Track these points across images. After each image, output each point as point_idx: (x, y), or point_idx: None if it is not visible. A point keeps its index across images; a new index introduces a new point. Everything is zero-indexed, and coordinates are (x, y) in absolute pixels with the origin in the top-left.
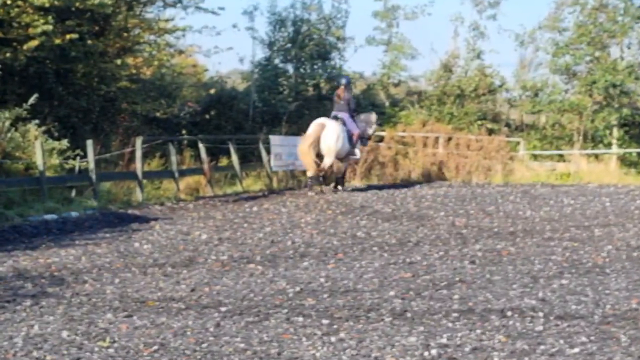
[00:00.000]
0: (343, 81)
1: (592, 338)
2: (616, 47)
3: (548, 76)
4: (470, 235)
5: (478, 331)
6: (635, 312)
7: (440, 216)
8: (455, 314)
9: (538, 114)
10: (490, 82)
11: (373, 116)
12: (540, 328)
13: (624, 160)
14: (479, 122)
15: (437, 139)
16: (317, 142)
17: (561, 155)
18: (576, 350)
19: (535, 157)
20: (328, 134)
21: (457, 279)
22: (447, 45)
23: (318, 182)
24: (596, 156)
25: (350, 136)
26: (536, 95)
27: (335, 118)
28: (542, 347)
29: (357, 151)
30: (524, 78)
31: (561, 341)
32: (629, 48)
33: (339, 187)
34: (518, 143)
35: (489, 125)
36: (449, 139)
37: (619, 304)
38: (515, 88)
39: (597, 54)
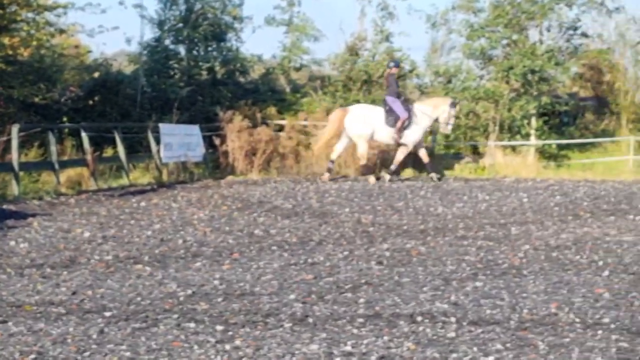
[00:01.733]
0: (392, 64)
1: (507, 345)
2: (535, 30)
3: (462, 61)
4: (377, 234)
5: (385, 338)
6: (554, 317)
7: (345, 213)
8: (360, 320)
9: None
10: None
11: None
12: (453, 334)
13: (543, 153)
14: None
15: None
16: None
17: (476, 147)
18: (491, 358)
19: (447, 148)
20: (349, 119)
21: (363, 281)
22: (353, 27)
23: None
24: (513, 148)
25: (395, 120)
26: (449, 81)
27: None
28: (454, 355)
29: (405, 138)
30: (436, 63)
31: (475, 348)
32: (548, 31)
33: (389, 176)
34: (430, 133)
35: None
36: None
37: (536, 309)
38: (427, 74)
39: (514, 37)
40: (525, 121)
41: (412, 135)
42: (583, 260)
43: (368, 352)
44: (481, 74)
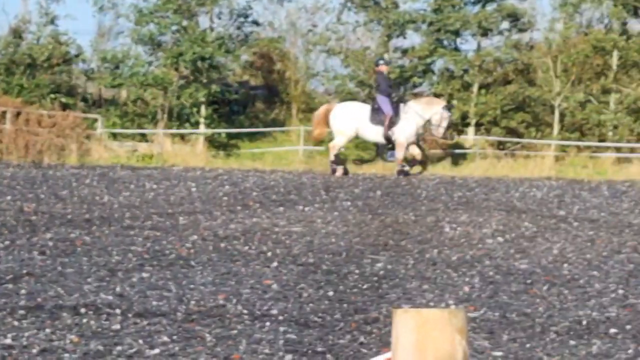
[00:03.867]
0: (381, 62)
1: (174, 337)
2: (205, 16)
3: (130, 46)
4: (40, 223)
5: (47, 330)
6: (222, 309)
7: (6, 201)
8: (21, 311)
9: (119, 88)
10: (66, 51)
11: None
12: (118, 327)
13: (212, 142)
14: (52, 96)
15: (3, 113)
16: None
17: (144, 135)
18: (157, 350)
19: (114, 136)
20: (333, 115)
21: (24, 271)
22: (17, 8)
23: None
24: (182, 136)
25: (382, 119)
26: (117, 67)
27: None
28: (119, 347)
29: (395, 135)
30: (103, 48)
31: (140, 341)
32: (219, 18)
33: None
34: (96, 120)
35: (64, 100)
36: (18, 113)
37: (204, 300)
38: (94, 59)
39: (184, 23)
40: (195, 109)
41: (403, 132)
42: (252, 251)
43: (29, 345)
44: (150, 60)
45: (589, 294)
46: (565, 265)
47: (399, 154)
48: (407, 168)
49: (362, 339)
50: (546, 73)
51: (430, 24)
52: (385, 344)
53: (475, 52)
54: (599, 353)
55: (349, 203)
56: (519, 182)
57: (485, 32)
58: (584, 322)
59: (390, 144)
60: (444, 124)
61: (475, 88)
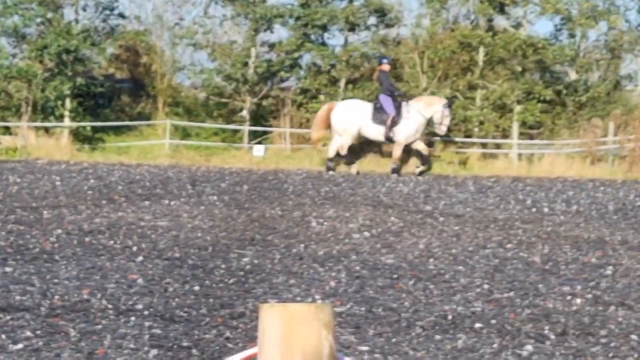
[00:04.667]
0: (384, 61)
1: (38, 332)
2: (70, 8)
3: None
4: None
5: None
6: (86, 304)
7: None
8: None
9: None
10: None
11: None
12: None
13: (77, 135)
14: None
15: None
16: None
17: (7, 128)
18: (20, 345)
19: None
20: (335, 114)
21: None
22: None
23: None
24: (47, 130)
25: (384, 118)
26: None
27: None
28: None
29: (396, 134)
30: None
31: (3, 336)
32: (84, 10)
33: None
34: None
35: None
36: None
37: (68, 295)
38: None
39: (49, 15)
40: (60, 102)
41: (403, 131)
42: (117, 246)
43: None
44: (14, 53)
45: (455, 289)
46: (431, 260)
47: (397, 153)
48: (397, 166)
49: (228, 333)
50: (413, 69)
51: (298, 18)
52: (251, 338)
53: (343, 47)
54: (464, 347)
55: (215, 197)
56: (386, 177)
57: (352, 27)
58: (450, 317)
59: (389, 143)
60: (446, 121)
61: (342, 83)
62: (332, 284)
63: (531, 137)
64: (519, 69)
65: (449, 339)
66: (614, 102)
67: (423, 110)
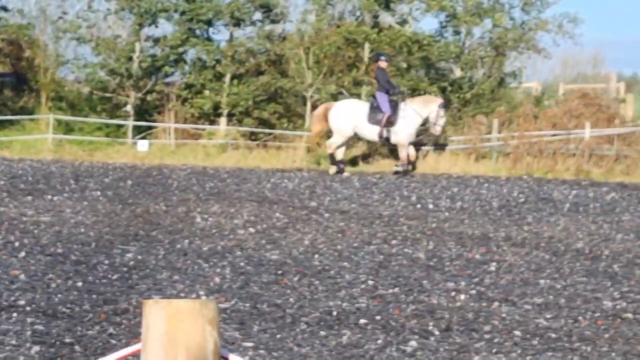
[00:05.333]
0: (382, 58)
1: None
2: None
3: None
4: None
5: None
6: None
7: None
8: None
9: None
10: None
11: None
12: None
13: None
14: None
15: None
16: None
17: None
18: None
19: None
20: (332, 114)
21: None
22: None
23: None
24: None
25: (380, 118)
26: None
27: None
28: None
29: (396, 135)
30: None
31: None
32: None
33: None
34: None
35: None
36: None
37: None
38: None
39: None
40: None
41: (402, 132)
42: None
43: None
44: None
45: (340, 285)
46: (316, 256)
47: (403, 154)
48: (405, 169)
49: (111, 330)
50: (298, 64)
51: (183, 13)
52: (135, 335)
53: (228, 43)
54: (349, 343)
55: (98, 193)
56: (271, 173)
57: (237, 23)
58: (334, 313)
59: (385, 143)
60: (441, 122)
61: (227, 78)
62: (217, 280)
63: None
64: (405, 65)
65: (334, 335)
66: (498, 99)
67: (420, 110)
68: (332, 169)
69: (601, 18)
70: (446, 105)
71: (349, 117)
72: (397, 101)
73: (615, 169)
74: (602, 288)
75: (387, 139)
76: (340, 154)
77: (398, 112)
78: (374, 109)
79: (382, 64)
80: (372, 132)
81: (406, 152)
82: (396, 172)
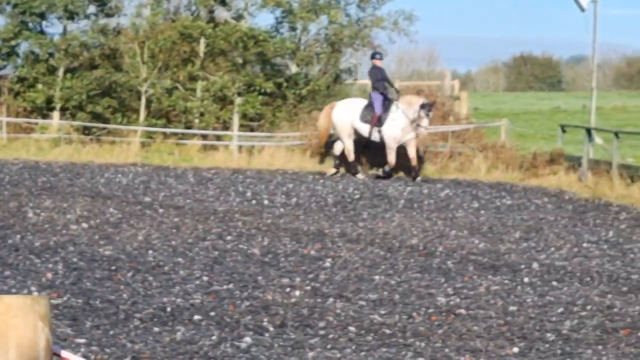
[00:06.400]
0: (377, 56)
1: None
2: None
3: None
4: None
5: None
6: None
7: None
8: None
9: None
10: None
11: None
12: None
13: None
14: None
15: None
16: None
17: None
18: None
19: None
20: (334, 114)
21: None
22: None
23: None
24: None
25: (371, 116)
26: None
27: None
28: None
29: (383, 135)
30: None
31: None
32: None
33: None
34: None
35: None
36: None
37: None
38: None
39: None
40: None
41: (389, 133)
42: None
43: None
44: None
45: (174, 281)
46: (150, 251)
47: (390, 157)
48: (388, 171)
49: None
50: (133, 59)
51: (15, 5)
52: None
53: (61, 36)
54: (183, 340)
55: None
56: (105, 168)
57: (71, 16)
58: (169, 309)
59: (376, 142)
60: (423, 122)
61: (60, 72)
62: (49, 275)
63: (252, 130)
64: (240, 61)
65: (168, 331)
66: (334, 95)
67: (407, 111)
68: (331, 170)
69: (436, 15)
70: (425, 106)
71: (347, 116)
72: (391, 101)
73: (449, 166)
74: (436, 284)
75: (380, 139)
76: (350, 156)
77: (389, 112)
78: (368, 107)
79: (377, 62)
80: (364, 131)
81: (394, 154)
82: (377, 177)
